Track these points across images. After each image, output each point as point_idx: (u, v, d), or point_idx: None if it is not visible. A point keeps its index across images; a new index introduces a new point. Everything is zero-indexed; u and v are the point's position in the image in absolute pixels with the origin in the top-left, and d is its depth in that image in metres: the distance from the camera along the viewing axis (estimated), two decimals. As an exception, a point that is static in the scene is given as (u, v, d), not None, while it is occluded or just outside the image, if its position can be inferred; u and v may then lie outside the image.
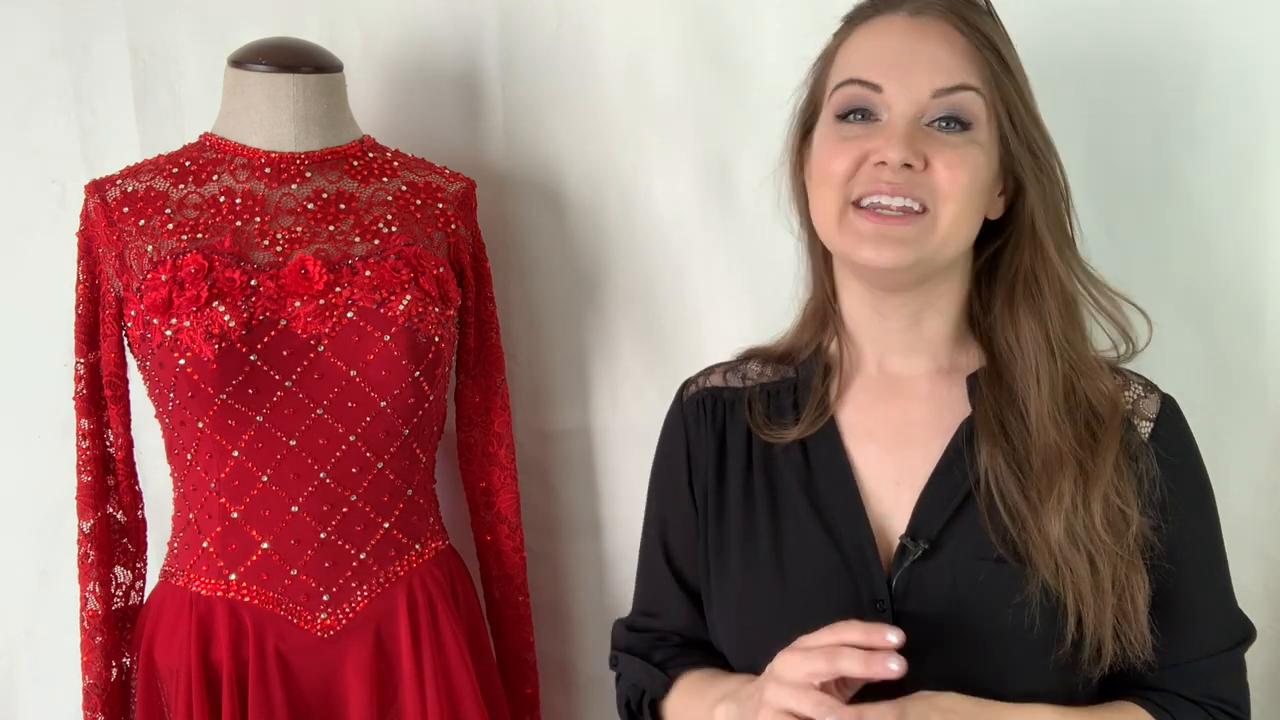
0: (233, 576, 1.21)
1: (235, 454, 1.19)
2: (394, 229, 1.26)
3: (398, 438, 1.24)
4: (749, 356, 1.16)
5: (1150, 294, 1.33)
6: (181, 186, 1.24)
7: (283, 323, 1.18)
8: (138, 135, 1.48)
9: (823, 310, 1.12)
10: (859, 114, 1.00)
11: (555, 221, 1.48)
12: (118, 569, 1.32)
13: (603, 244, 1.47)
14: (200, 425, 1.18)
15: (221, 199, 1.23)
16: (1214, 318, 1.33)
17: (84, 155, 1.48)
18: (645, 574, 1.17)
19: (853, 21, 1.05)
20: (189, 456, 1.21)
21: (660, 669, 1.09)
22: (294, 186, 1.25)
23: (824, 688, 0.89)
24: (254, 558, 1.20)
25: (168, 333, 1.15)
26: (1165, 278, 1.33)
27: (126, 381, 1.29)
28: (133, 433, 1.31)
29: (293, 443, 1.19)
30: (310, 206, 1.25)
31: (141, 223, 1.21)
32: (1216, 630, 1.03)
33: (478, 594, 1.41)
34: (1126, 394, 1.04)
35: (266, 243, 1.21)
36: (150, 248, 1.20)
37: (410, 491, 1.27)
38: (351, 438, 1.21)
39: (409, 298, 1.21)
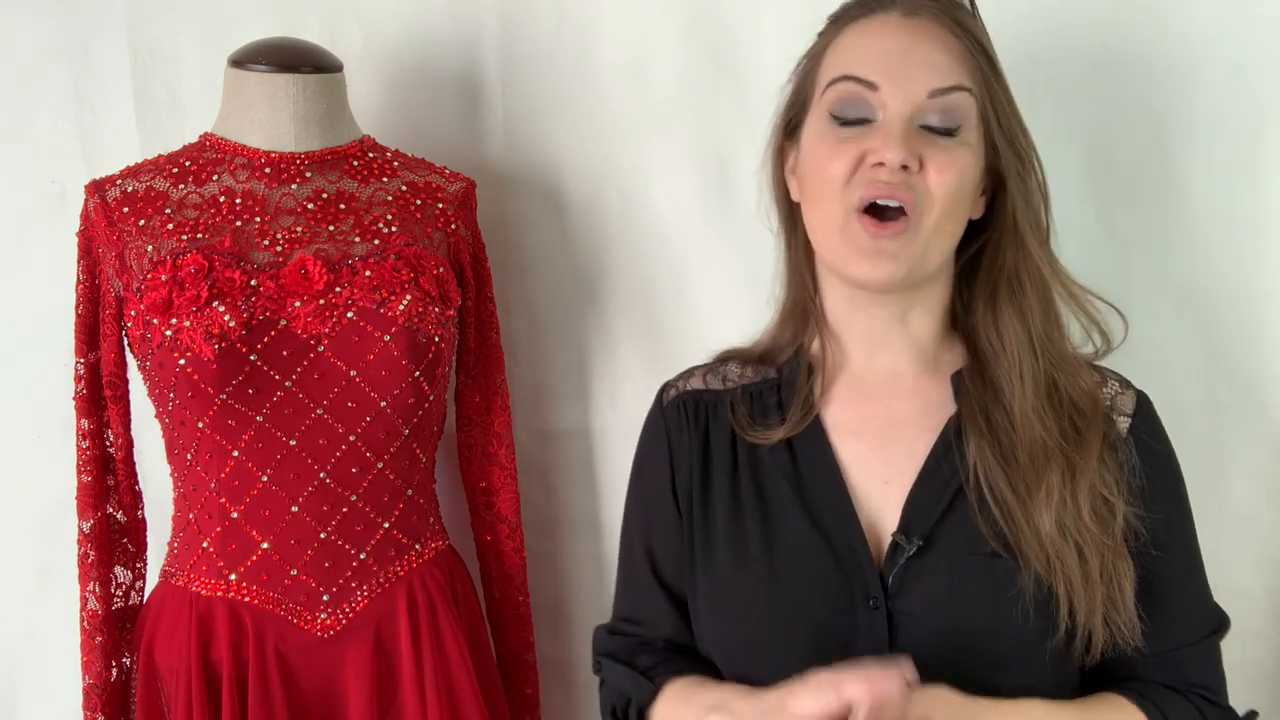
0: (233, 576, 1.21)
1: (235, 454, 1.19)
2: (394, 229, 1.26)
3: (398, 438, 1.24)
4: (726, 358, 1.16)
5: (1150, 294, 1.34)
6: (181, 186, 1.24)
7: (283, 323, 1.18)
8: (138, 135, 1.48)
9: (803, 308, 1.12)
10: (853, 113, 1.00)
11: (555, 221, 1.48)
12: (118, 569, 1.32)
13: (603, 244, 1.47)
14: (200, 425, 1.18)
15: (221, 199, 1.23)
16: (1214, 318, 1.33)
17: (84, 155, 1.48)
18: (626, 580, 1.16)
19: (841, 21, 1.05)
20: (189, 456, 1.21)
21: (646, 676, 1.08)
22: (294, 186, 1.25)
23: None
24: (254, 558, 1.20)
25: (168, 333, 1.15)
26: (1165, 278, 1.33)
27: (126, 381, 1.29)
28: (133, 433, 1.31)
29: (293, 443, 1.19)
30: (310, 206, 1.25)
31: (141, 223, 1.21)
32: (1195, 619, 1.05)
33: (478, 594, 1.41)
34: (1104, 390, 1.06)
35: (266, 243, 1.21)
36: (150, 248, 1.20)
37: (410, 491, 1.27)
38: (351, 438, 1.21)
39: (409, 298, 1.21)
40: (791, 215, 1.11)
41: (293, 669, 1.21)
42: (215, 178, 1.24)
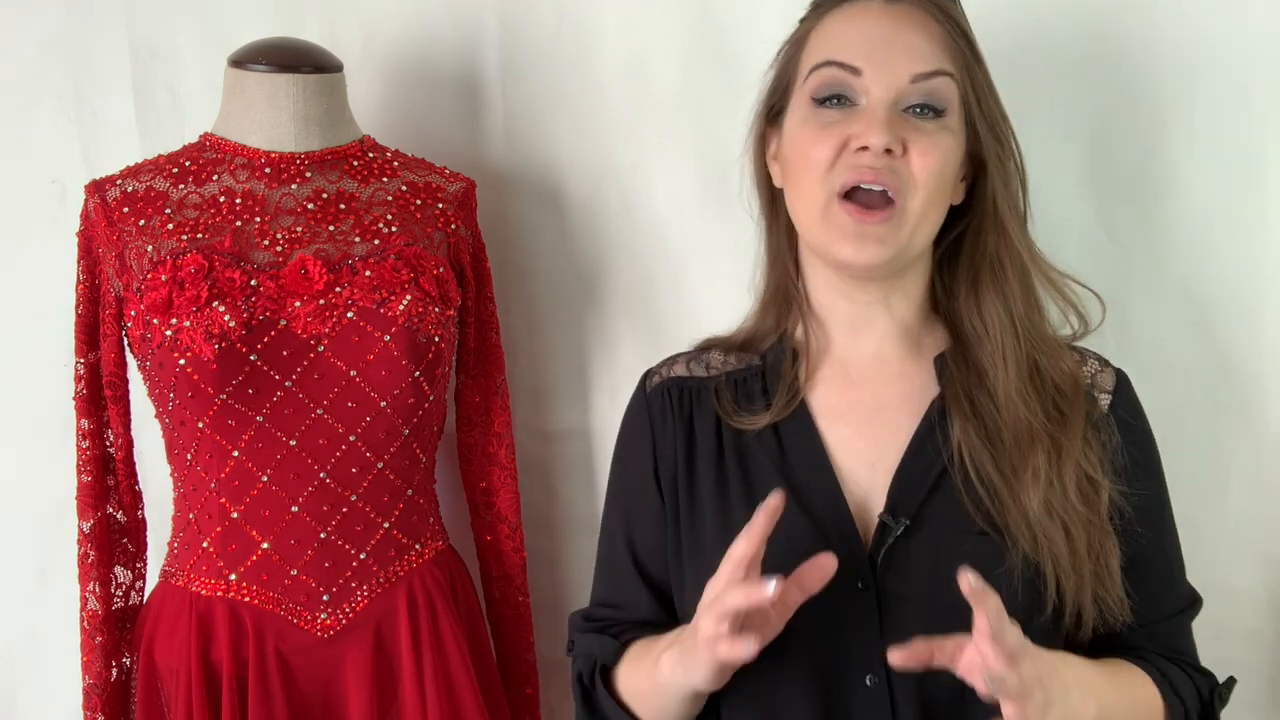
0: (233, 576, 1.21)
1: (235, 454, 1.19)
2: (394, 229, 1.26)
3: (398, 438, 1.24)
4: (709, 346, 1.17)
5: (1150, 294, 1.33)
6: (181, 186, 1.24)
7: (283, 323, 1.18)
8: (138, 135, 1.48)
9: (785, 294, 1.13)
10: (836, 98, 1.01)
11: (555, 221, 1.48)
12: (118, 569, 1.32)
13: (603, 244, 1.47)
14: (200, 425, 1.18)
15: (221, 199, 1.23)
16: (1214, 318, 1.33)
17: (84, 155, 1.48)
18: (606, 567, 1.17)
19: (824, 7, 1.06)
20: (189, 456, 1.21)
21: (612, 636, 1.09)
22: (294, 186, 1.25)
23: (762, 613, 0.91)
24: (254, 558, 1.20)
25: (168, 333, 1.15)
26: (1165, 278, 1.33)
27: (126, 381, 1.29)
28: (133, 433, 1.31)
29: (293, 443, 1.19)
30: (310, 206, 1.25)
31: (141, 223, 1.21)
32: (1175, 592, 1.08)
33: (478, 594, 1.41)
34: (1085, 369, 1.07)
35: (266, 243, 1.21)
36: (150, 248, 1.20)
37: (410, 491, 1.27)
38: (351, 438, 1.21)
39: (409, 298, 1.21)
40: (773, 201, 1.12)
41: (293, 669, 1.21)
42: (215, 178, 1.24)
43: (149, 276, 1.17)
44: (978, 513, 1.00)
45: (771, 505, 0.89)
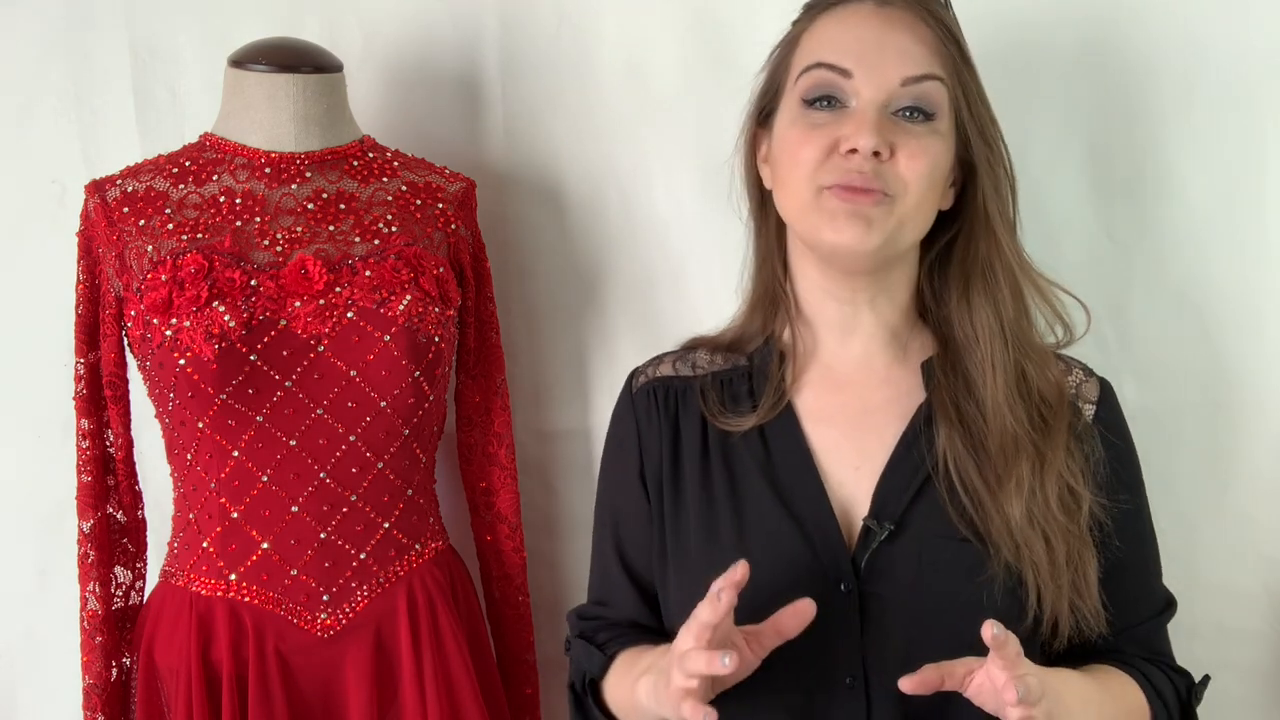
0: (233, 576, 1.21)
1: (235, 454, 1.19)
2: (394, 229, 1.26)
3: (398, 438, 1.24)
4: (695, 345, 1.18)
5: (1150, 294, 1.34)
6: (181, 186, 1.24)
7: (283, 323, 1.18)
8: (138, 135, 1.48)
9: (773, 296, 1.13)
10: (826, 100, 1.01)
11: (555, 221, 1.48)
12: (118, 569, 1.32)
13: (603, 244, 1.47)
14: (200, 425, 1.18)
15: (221, 199, 1.23)
16: (1214, 318, 1.33)
17: (84, 155, 1.48)
18: (597, 564, 1.18)
19: (815, 9, 1.06)
20: (189, 456, 1.21)
21: (601, 649, 1.09)
22: (294, 186, 1.25)
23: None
24: (254, 558, 1.20)
25: (168, 333, 1.15)
26: (1165, 278, 1.33)
27: (126, 381, 1.29)
28: (133, 433, 1.31)
29: (293, 443, 1.19)
30: (310, 206, 1.25)
31: (141, 223, 1.21)
32: (1151, 600, 1.09)
33: (478, 594, 1.41)
34: (1070, 378, 1.08)
35: (266, 243, 1.21)
36: (150, 248, 1.20)
37: (410, 491, 1.27)
38: (351, 438, 1.21)
39: (409, 298, 1.21)
40: (763, 204, 1.13)
41: (293, 669, 1.21)
42: (215, 178, 1.24)
43: (149, 276, 1.17)
44: (961, 520, 1.00)
45: (737, 576, 0.88)
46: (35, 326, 1.48)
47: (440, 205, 1.32)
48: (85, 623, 1.28)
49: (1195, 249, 1.32)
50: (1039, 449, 1.01)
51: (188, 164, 1.26)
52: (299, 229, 1.23)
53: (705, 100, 1.41)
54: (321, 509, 1.21)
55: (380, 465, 1.23)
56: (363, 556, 1.23)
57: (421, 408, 1.24)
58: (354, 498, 1.22)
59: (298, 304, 1.19)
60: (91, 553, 1.28)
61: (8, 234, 1.49)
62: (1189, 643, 1.33)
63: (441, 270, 1.26)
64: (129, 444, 1.31)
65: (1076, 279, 1.13)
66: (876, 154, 0.97)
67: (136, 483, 1.33)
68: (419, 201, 1.30)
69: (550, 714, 1.50)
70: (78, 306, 1.26)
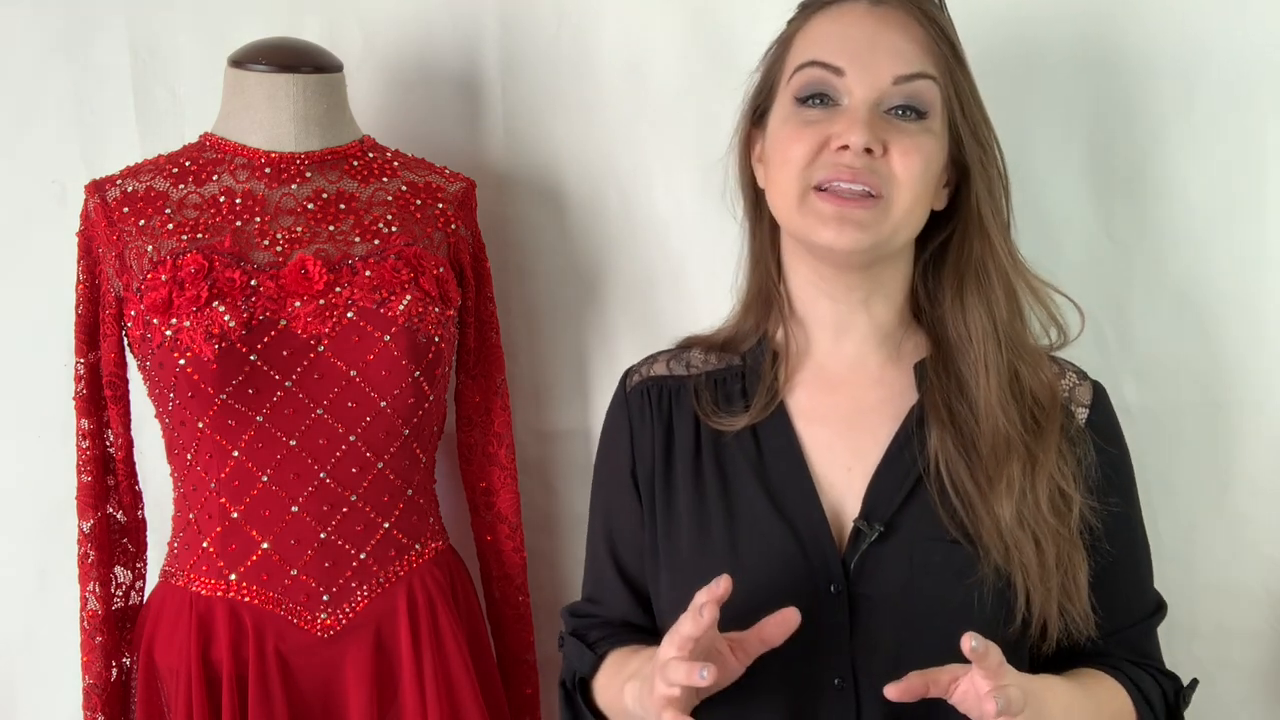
0: (233, 576, 1.21)
1: (235, 454, 1.19)
2: (394, 229, 1.26)
3: (398, 438, 1.24)
4: (689, 345, 1.18)
5: (1150, 294, 1.34)
6: (181, 186, 1.24)
7: (283, 323, 1.18)
8: (138, 135, 1.48)
9: (766, 295, 1.13)
10: (819, 98, 1.01)
11: (555, 221, 1.48)
12: (118, 569, 1.32)
13: (603, 244, 1.47)
14: (200, 425, 1.18)
15: (221, 199, 1.23)
16: (1214, 318, 1.33)
17: (84, 155, 1.48)
18: (591, 562, 1.18)
19: (810, 8, 1.07)
20: (189, 456, 1.21)
21: (591, 648, 1.10)
22: (294, 186, 1.25)
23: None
24: (254, 558, 1.20)
25: (168, 333, 1.15)
26: (1165, 278, 1.33)
27: (126, 381, 1.29)
28: (133, 433, 1.31)
29: (293, 443, 1.19)
30: (310, 206, 1.25)
31: (141, 223, 1.21)
32: (1142, 603, 1.08)
33: (478, 594, 1.41)
34: (1063, 381, 1.08)
35: (266, 243, 1.21)
36: (150, 248, 1.20)
37: (410, 491, 1.27)
38: (351, 438, 1.21)
39: (409, 298, 1.21)
40: (757, 203, 1.13)
41: (293, 669, 1.21)
42: (215, 178, 1.24)
43: (149, 276, 1.17)
44: (951, 522, 1.00)
45: (719, 591, 0.88)
46: (35, 326, 1.48)
47: (440, 205, 1.32)
48: (85, 623, 1.28)
49: (1195, 249, 1.32)
50: (1030, 450, 1.01)
51: (188, 164, 1.26)
52: (299, 229, 1.23)
53: (705, 100, 1.41)
54: (321, 509, 1.21)
55: (380, 465, 1.23)
56: (363, 556, 1.23)
57: (421, 408, 1.24)
58: (354, 498, 1.22)
59: (298, 304, 1.19)
60: (91, 553, 1.28)
61: (8, 234, 1.49)
62: (1189, 643, 1.34)
63: (441, 270, 1.26)
64: (129, 444, 1.31)
65: (1076, 279, 1.13)
66: (869, 151, 0.97)
67: (136, 483, 1.33)
68: (419, 201, 1.30)
69: (550, 714, 1.50)
70: (78, 306, 1.26)
